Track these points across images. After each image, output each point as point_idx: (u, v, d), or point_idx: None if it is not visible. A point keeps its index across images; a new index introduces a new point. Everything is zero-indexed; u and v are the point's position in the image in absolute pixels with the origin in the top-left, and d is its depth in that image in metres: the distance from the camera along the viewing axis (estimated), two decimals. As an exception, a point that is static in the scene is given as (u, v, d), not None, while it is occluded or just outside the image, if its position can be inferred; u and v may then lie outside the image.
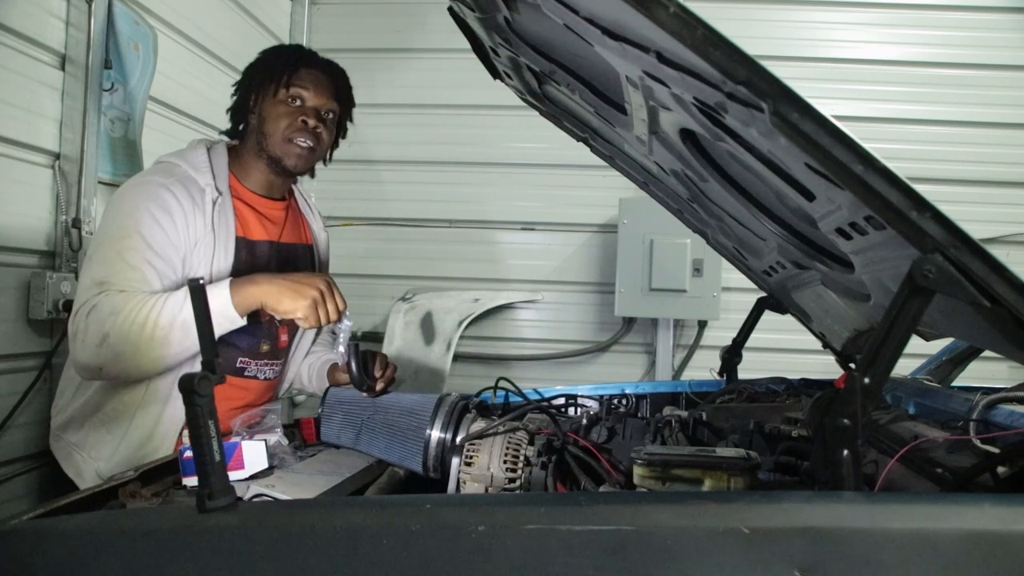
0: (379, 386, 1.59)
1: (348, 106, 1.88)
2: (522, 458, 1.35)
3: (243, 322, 1.58)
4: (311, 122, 1.76)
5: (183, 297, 1.53)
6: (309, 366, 1.99)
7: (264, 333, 1.82)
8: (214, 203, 1.69)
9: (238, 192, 1.79)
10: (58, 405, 1.78)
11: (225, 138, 1.88)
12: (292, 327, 1.90)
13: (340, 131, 1.91)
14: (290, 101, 1.76)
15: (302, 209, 2.00)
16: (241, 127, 1.84)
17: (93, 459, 1.68)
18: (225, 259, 1.69)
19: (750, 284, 2.26)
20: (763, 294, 2.22)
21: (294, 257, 1.91)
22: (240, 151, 1.83)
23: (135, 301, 1.54)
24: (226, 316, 1.55)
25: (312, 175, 1.92)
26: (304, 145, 1.76)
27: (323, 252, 2.02)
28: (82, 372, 1.63)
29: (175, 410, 1.67)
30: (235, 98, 1.84)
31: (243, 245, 1.75)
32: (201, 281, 1.04)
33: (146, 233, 1.60)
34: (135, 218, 1.61)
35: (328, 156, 1.90)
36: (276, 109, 1.75)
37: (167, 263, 1.62)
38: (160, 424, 1.68)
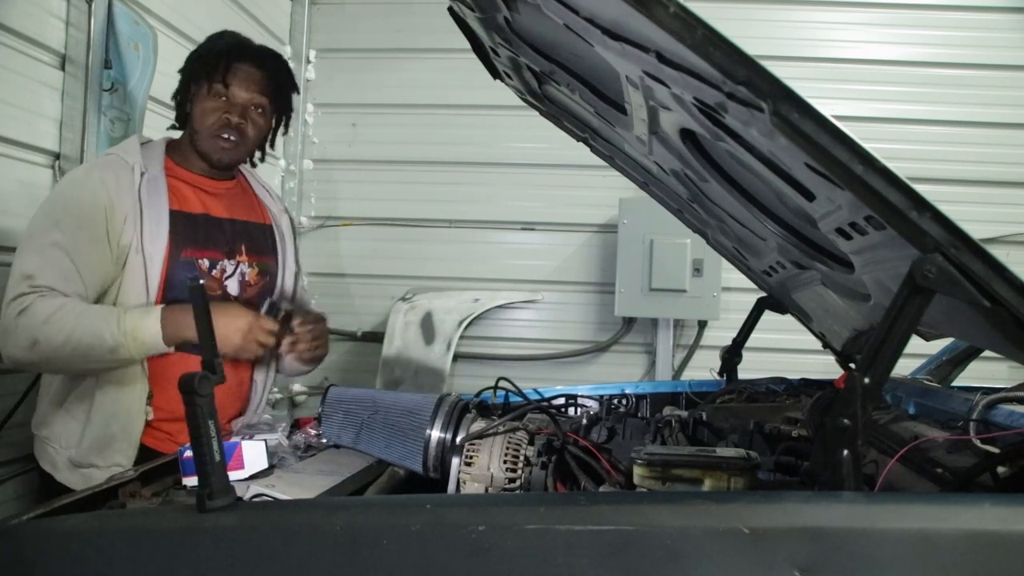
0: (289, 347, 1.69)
1: (282, 97, 1.89)
2: (522, 458, 1.35)
3: (169, 349, 1.66)
4: (234, 119, 1.79)
5: (110, 319, 1.60)
6: None
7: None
8: (142, 175, 1.72)
9: (175, 173, 1.82)
10: (38, 411, 1.82)
11: (168, 134, 1.92)
12: (250, 306, 1.91)
13: (281, 121, 1.94)
14: (218, 97, 1.79)
15: (257, 192, 2.02)
16: (186, 112, 1.86)
17: (64, 448, 1.71)
18: (158, 232, 1.71)
19: (750, 284, 2.26)
20: (763, 294, 2.22)
21: (247, 234, 1.92)
22: (180, 141, 1.87)
23: (63, 312, 1.58)
24: (153, 346, 1.63)
25: (252, 164, 1.99)
26: (228, 142, 1.81)
27: (286, 233, 2.04)
28: (14, 365, 1.66)
29: (134, 390, 1.71)
30: (178, 87, 1.87)
31: (180, 218, 1.77)
32: (201, 281, 1.05)
33: (68, 225, 1.64)
34: (60, 209, 1.67)
35: (270, 143, 1.96)
36: (204, 105, 1.80)
37: (89, 254, 1.65)
38: (119, 403, 1.71)
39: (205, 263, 1.81)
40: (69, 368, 1.67)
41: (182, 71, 1.86)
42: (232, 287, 1.86)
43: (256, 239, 1.94)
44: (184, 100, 1.84)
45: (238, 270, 1.87)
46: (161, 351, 1.65)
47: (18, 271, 1.62)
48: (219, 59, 1.79)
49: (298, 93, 1.97)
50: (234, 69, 1.79)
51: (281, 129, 1.98)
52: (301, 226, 3.92)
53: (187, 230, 1.77)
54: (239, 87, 1.79)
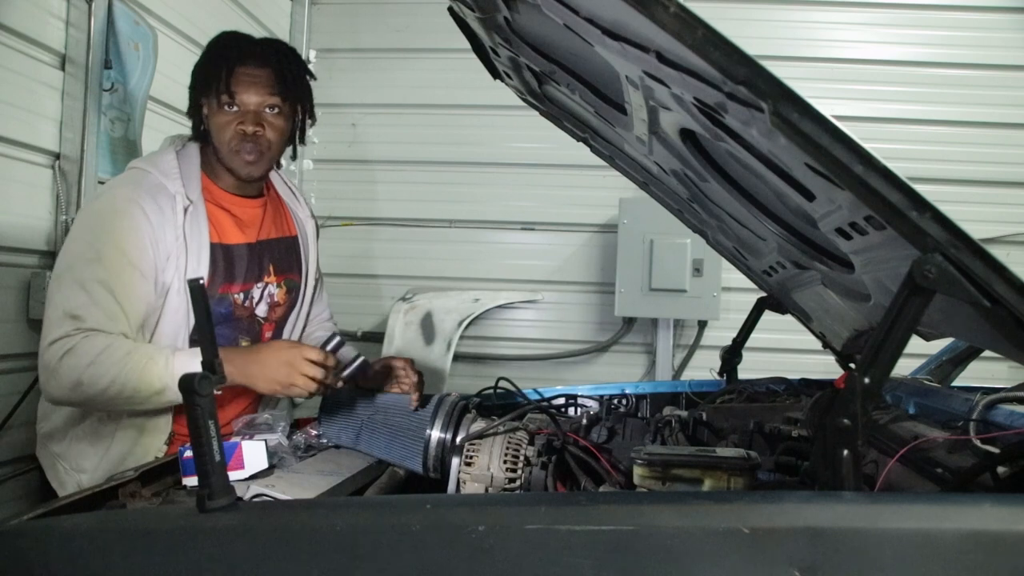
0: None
1: (295, 88, 1.76)
2: (522, 458, 1.35)
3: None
4: (249, 129, 1.68)
5: (158, 360, 1.52)
6: None
7: (244, 328, 1.79)
8: (185, 210, 1.64)
9: (212, 195, 1.74)
10: (42, 411, 1.76)
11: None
12: (277, 325, 1.88)
13: (306, 115, 1.83)
14: (228, 108, 1.69)
15: (285, 199, 1.95)
16: (203, 128, 1.77)
17: (76, 471, 1.67)
18: (198, 267, 1.65)
19: (750, 284, 2.26)
20: (763, 294, 2.22)
21: (275, 252, 1.86)
22: (208, 152, 1.77)
23: (108, 354, 1.51)
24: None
25: (279, 165, 1.90)
26: (250, 154, 1.71)
27: (311, 240, 1.97)
28: (51, 402, 1.62)
29: (156, 426, 1.66)
30: (189, 101, 1.77)
31: (220, 251, 1.71)
32: (201, 281, 1.04)
33: (112, 261, 1.57)
34: (103, 241, 1.59)
35: (299, 139, 1.85)
36: (218, 120, 1.70)
37: (133, 290, 1.59)
38: (142, 438, 1.67)
39: (240, 297, 1.76)
40: (110, 407, 1.61)
41: (190, 87, 1.76)
42: (261, 310, 1.81)
43: (283, 256, 1.88)
44: (198, 117, 1.75)
45: (265, 292, 1.82)
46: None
47: (60, 308, 1.54)
48: (219, 68, 1.68)
49: (313, 77, 1.84)
50: (237, 75, 1.67)
51: (308, 120, 1.85)
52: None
53: (225, 264, 1.72)
54: (246, 93, 1.68)
